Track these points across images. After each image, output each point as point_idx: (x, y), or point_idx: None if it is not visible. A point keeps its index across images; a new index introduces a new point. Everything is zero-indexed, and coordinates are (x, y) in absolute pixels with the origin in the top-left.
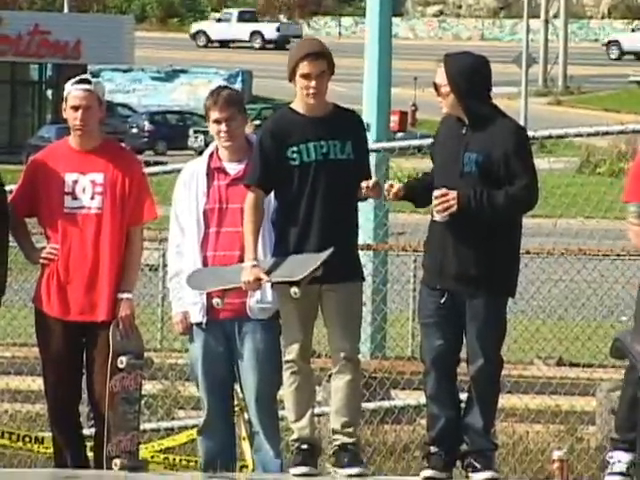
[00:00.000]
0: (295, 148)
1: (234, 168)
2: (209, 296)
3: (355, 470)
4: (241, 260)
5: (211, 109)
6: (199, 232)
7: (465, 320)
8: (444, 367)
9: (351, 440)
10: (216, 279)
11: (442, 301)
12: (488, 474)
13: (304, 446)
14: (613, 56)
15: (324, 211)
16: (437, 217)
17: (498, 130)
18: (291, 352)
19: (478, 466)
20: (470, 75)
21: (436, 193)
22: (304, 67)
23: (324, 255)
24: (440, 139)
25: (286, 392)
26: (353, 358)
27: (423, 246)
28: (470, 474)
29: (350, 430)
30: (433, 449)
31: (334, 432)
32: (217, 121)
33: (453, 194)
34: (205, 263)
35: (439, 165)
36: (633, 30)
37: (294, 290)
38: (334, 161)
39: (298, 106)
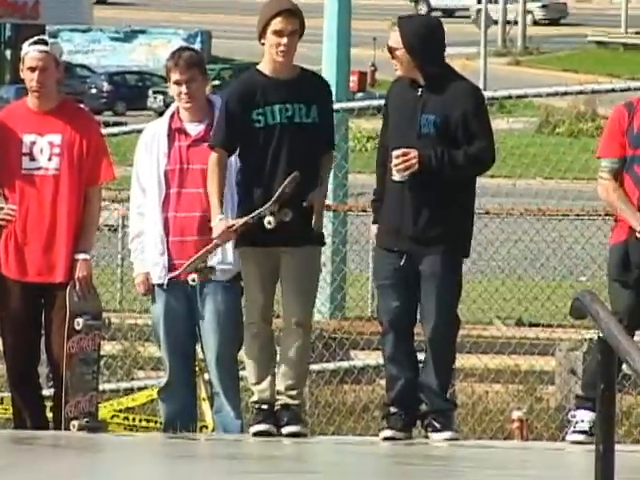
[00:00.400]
0: (260, 110)
1: (195, 129)
2: (170, 256)
3: (294, 428)
4: (202, 221)
5: (172, 70)
6: (160, 193)
7: (420, 281)
8: (401, 328)
9: (294, 402)
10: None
11: (401, 263)
12: (447, 434)
13: (264, 406)
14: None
15: (287, 174)
16: (397, 177)
17: (455, 91)
18: (252, 314)
19: (438, 426)
20: (425, 37)
21: (396, 152)
22: (277, 24)
23: (289, 178)
24: (394, 101)
25: (247, 354)
26: (304, 324)
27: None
28: (430, 434)
29: (293, 393)
30: (392, 409)
31: (278, 393)
32: (178, 82)
33: (414, 153)
34: (166, 224)
35: (395, 127)
36: None
37: (268, 220)
38: (299, 124)
39: (265, 67)
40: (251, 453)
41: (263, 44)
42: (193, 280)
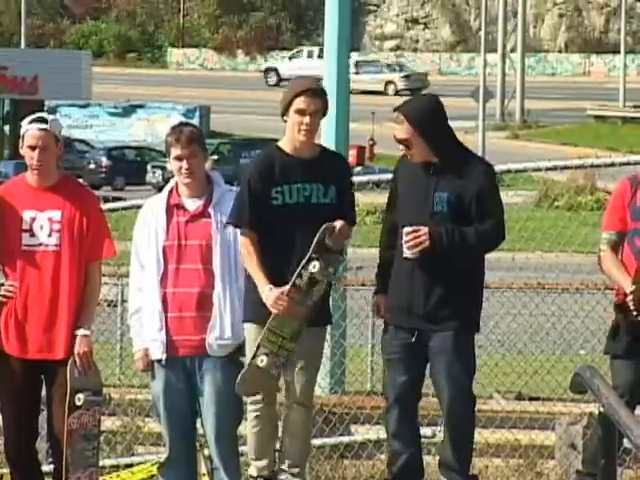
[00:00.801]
0: (279, 188)
1: (193, 204)
2: (168, 332)
3: None
4: (200, 297)
5: (173, 146)
6: (158, 269)
7: (431, 357)
8: (407, 404)
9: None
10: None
11: (413, 340)
12: None
13: None
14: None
15: (301, 253)
16: (407, 254)
17: (469, 169)
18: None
19: None
20: (434, 118)
21: (407, 229)
22: (300, 102)
23: (322, 229)
24: (404, 179)
25: (249, 433)
26: (307, 404)
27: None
28: None
29: (296, 470)
30: None
31: (281, 470)
32: (179, 158)
33: (425, 229)
34: (165, 299)
35: (406, 205)
36: None
37: (313, 264)
38: (316, 205)
39: (286, 145)
40: None
41: (285, 121)
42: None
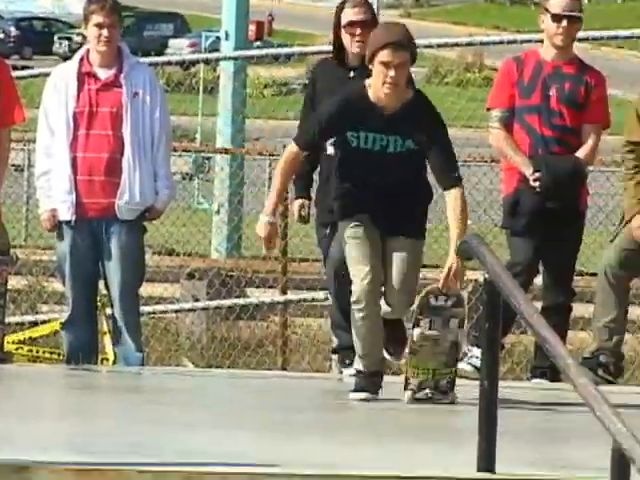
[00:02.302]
0: (355, 133)
1: (105, 73)
2: (78, 195)
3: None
4: (109, 162)
5: (95, 13)
6: (68, 134)
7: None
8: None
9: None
10: None
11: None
12: None
13: (368, 371)
14: None
15: (373, 192)
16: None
17: None
18: (359, 293)
19: None
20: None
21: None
22: (384, 55)
23: None
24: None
25: (356, 329)
26: (404, 312)
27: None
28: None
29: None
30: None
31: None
32: (100, 25)
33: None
34: (74, 163)
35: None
36: None
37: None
38: (392, 154)
39: (372, 92)
40: (150, 385)
41: (371, 69)
42: None
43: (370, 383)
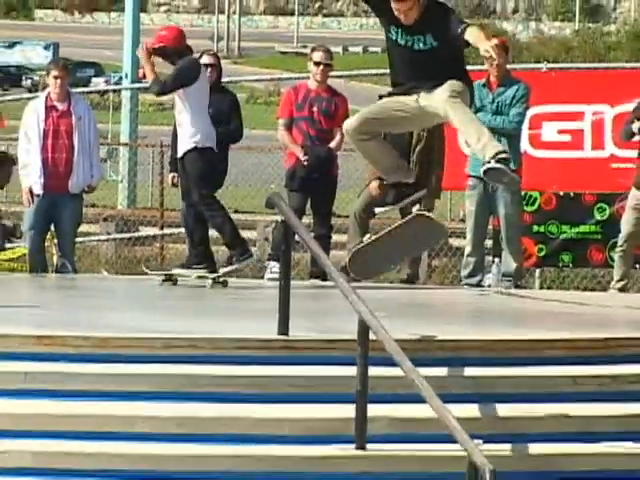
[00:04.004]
0: (395, 28)
1: (61, 105)
2: (45, 179)
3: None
4: (66, 158)
5: (53, 69)
6: (40, 142)
7: None
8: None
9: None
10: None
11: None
12: None
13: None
14: None
15: (405, 79)
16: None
17: None
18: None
19: None
20: None
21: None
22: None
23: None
24: None
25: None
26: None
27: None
28: None
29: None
30: None
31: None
32: (56, 77)
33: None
34: (44, 160)
35: None
36: None
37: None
38: (418, 50)
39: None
40: (82, 285)
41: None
42: None
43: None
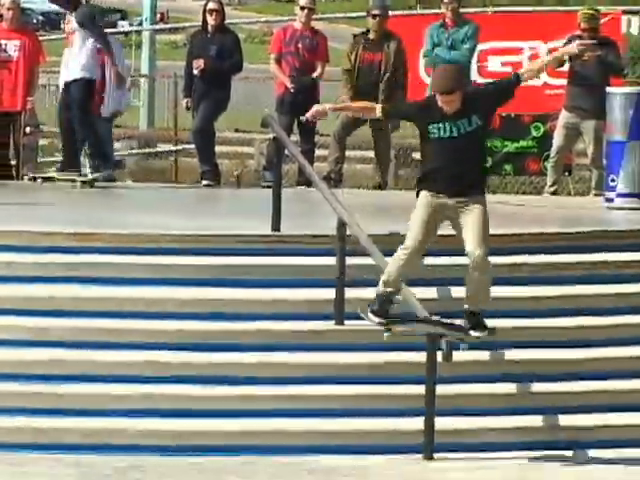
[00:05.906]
0: (435, 125)
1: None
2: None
3: (478, 333)
4: (100, 84)
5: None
6: None
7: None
8: None
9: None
10: None
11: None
12: None
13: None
14: None
15: (451, 169)
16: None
17: None
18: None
19: None
20: None
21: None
22: (439, 99)
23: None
24: None
25: (394, 259)
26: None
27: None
28: None
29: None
30: None
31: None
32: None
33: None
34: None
35: None
36: None
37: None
38: (464, 134)
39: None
40: (107, 192)
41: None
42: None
43: None
